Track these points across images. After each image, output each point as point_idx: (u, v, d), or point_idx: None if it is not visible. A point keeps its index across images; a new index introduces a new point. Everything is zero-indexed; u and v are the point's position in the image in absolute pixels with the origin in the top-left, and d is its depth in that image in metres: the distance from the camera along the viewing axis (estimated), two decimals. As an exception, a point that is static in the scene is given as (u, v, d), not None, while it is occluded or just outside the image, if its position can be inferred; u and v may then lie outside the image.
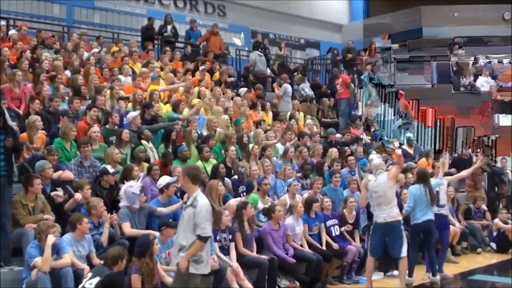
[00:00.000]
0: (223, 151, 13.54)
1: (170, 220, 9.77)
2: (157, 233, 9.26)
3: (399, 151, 17.16)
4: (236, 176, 12.62)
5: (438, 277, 11.82)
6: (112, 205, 9.88)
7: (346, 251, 11.84)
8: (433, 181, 12.02)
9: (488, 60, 24.74)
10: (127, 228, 9.52)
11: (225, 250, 10.15)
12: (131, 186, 9.74)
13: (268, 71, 23.14)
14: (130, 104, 14.27)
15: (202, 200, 7.21)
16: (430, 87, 25.14)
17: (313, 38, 32.01)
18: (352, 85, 21.79)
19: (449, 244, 13.42)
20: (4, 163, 9.06)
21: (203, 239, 7.08)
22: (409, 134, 20.33)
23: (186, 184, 7.42)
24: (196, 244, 7.08)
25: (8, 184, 9.13)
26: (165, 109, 15.03)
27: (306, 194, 12.67)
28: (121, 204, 9.71)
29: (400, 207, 11.40)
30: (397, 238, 10.62)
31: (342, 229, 12.31)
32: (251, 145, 14.01)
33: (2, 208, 8.99)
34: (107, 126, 12.72)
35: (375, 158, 11.38)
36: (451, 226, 13.68)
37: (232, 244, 10.30)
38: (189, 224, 7.15)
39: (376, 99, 21.75)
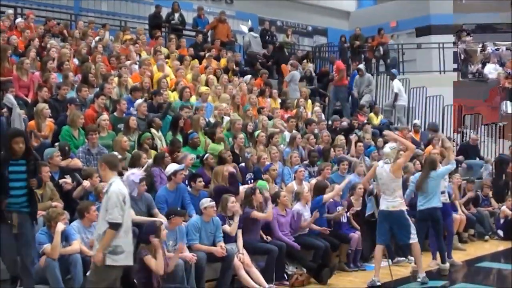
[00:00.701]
0: (230, 139, 13.59)
1: (179, 209, 9.84)
2: (164, 220, 9.29)
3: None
4: (243, 164, 12.66)
5: (447, 265, 11.84)
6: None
7: (349, 238, 11.90)
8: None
9: (496, 47, 24.67)
10: (133, 215, 9.51)
11: (232, 237, 10.17)
12: (133, 174, 9.74)
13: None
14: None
15: (114, 186, 7.06)
16: (438, 74, 25.11)
17: (320, 25, 31.99)
18: (358, 71, 21.78)
19: (453, 231, 13.43)
20: (25, 198, 8.09)
21: (112, 225, 6.87)
22: (416, 121, 20.34)
23: (103, 171, 7.36)
24: (107, 233, 6.90)
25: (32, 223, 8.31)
26: (172, 97, 15.06)
27: (313, 181, 12.69)
28: None
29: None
30: (402, 226, 10.65)
31: (348, 213, 12.33)
32: (257, 132, 14.03)
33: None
34: (115, 113, 12.78)
35: (387, 147, 11.36)
36: (454, 214, 13.74)
37: (239, 231, 10.32)
38: (104, 211, 7.03)
39: (373, 88, 21.79)
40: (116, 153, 10.69)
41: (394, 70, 22.62)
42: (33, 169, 8.08)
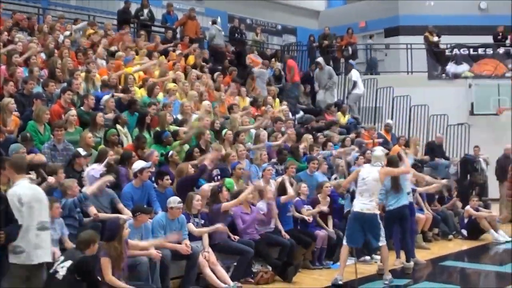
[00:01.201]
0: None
1: (145, 206, 9.80)
2: (125, 217, 9.24)
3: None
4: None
5: (412, 263, 11.96)
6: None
7: (315, 236, 11.94)
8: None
9: (463, 49, 24.90)
10: (94, 211, 9.49)
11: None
12: (93, 169, 9.74)
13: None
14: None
15: (12, 188, 7.07)
16: (406, 75, 25.28)
17: (290, 24, 32.01)
18: (317, 65, 21.86)
19: (417, 230, 13.56)
20: None
21: None
22: (388, 120, 20.47)
23: (10, 174, 7.31)
24: None
25: None
26: (139, 93, 15.00)
27: (279, 179, 12.72)
28: (84, 188, 9.64)
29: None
30: (374, 229, 10.71)
31: (314, 211, 12.35)
32: (224, 131, 14.03)
33: None
34: (82, 108, 12.70)
35: (378, 150, 11.52)
36: (419, 214, 13.92)
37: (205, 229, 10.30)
38: None
39: (335, 80, 21.83)
40: (81, 149, 10.67)
41: (351, 61, 22.93)
42: (3, 209, 6.91)
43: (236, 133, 13.95)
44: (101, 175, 9.69)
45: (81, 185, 9.77)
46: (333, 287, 10.56)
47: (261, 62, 20.99)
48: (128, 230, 8.64)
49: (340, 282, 10.56)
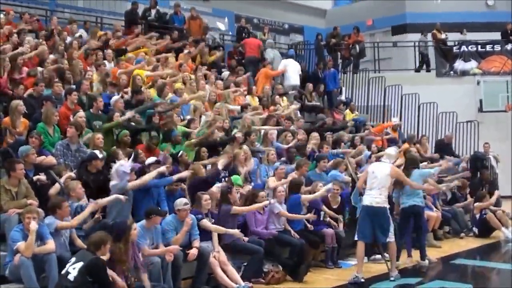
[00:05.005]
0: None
1: (159, 208, 9.80)
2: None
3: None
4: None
5: (427, 261, 11.99)
6: (98, 189, 9.83)
7: (323, 235, 11.90)
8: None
9: (471, 46, 24.86)
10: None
11: (208, 235, 10.11)
12: (122, 165, 9.72)
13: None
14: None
15: None
16: (413, 73, 25.24)
17: (297, 23, 31.98)
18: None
19: (428, 228, 13.53)
20: None
21: None
22: (394, 119, 20.40)
23: None
24: None
25: None
26: (152, 94, 14.98)
27: (290, 177, 12.69)
28: (112, 183, 9.65)
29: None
30: (382, 224, 10.72)
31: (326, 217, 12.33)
32: (234, 132, 14.03)
33: None
34: (91, 110, 12.69)
35: (393, 149, 11.67)
36: (429, 212, 13.91)
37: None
38: None
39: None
40: (97, 151, 10.64)
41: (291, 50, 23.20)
42: None
43: (246, 132, 13.92)
44: (131, 170, 9.74)
45: (97, 185, 9.83)
46: (354, 285, 10.53)
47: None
48: (137, 231, 8.65)
49: (362, 280, 10.55)
